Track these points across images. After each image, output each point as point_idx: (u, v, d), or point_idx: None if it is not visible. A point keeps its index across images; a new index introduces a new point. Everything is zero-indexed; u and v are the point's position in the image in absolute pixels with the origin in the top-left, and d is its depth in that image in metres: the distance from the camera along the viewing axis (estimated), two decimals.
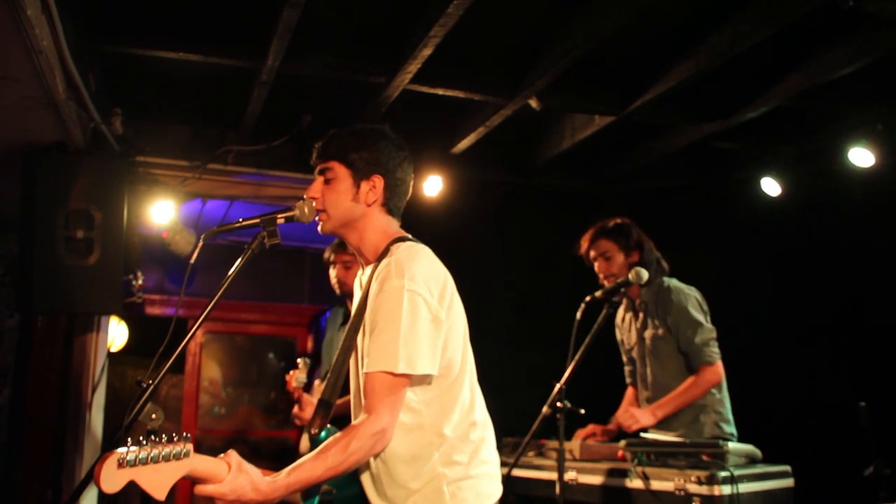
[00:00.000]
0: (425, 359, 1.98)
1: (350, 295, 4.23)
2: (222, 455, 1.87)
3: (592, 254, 3.77)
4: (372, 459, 2.07)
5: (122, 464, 1.65)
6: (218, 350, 6.99)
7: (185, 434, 1.79)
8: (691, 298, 3.70)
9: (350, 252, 4.13)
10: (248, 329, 6.92)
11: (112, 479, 1.64)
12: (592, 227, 3.83)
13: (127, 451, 1.65)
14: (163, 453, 1.71)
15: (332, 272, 4.26)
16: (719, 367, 3.61)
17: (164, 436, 1.75)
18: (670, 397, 3.59)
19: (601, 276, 3.75)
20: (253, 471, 1.83)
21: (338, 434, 1.96)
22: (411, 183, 2.29)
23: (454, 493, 2.01)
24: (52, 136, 3.89)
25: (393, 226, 2.23)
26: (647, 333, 3.77)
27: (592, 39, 3.45)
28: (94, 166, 3.95)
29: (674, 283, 3.76)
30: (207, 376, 6.81)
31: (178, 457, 1.74)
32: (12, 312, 4.94)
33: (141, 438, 1.70)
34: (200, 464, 1.80)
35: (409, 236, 2.22)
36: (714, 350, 3.61)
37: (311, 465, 1.89)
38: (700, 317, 3.66)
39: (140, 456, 1.67)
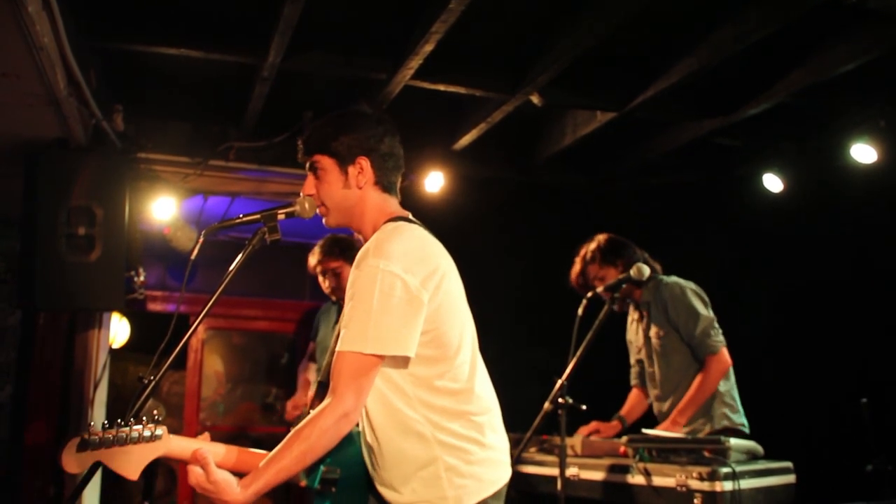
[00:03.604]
0: (397, 340, 1.91)
1: None
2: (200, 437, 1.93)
3: (592, 282, 3.79)
4: (369, 443, 2.03)
5: (83, 447, 1.70)
6: (219, 346, 6.98)
7: (156, 416, 1.81)
8: (687, 290, 3.72)
9: (337, 257, 4.05)
10: (249, 325, 6.91)
11: (74, 460, 1.71)
12: (574, 263, 3.90)
13: (89, 434, 1.70)
14: (131, 435, 1.75)
15: (325, 282, 4.13)
16: (724, 354, 3.61)
17: (132, 419, 1.78)
18: (686, 400, 3.57)
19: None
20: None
21: (303, 421, 1.90)
22: (400, 154, 2.24)
23: (452, 478, 1.94)
24: (54, 133, 3.89)
25: (390, 203, 2.18)
26: (652, 332, 3.80)
27: (594, 36, 3.45)
28: (96, 163, 3.95)
29: (671, 279, 3.79)
30: (209, 372, 6.81)
31: (148, 439, 1.77)
32: (14, 309, 4.95)
33: (105, 422, 1.73)
34: (177, 444, 1.84)
35: (408, 215, 2.17)
36: (717, 339, 3.62)
37: (279, 458, 1.85)
38: (698, 306, 3.67)
39: (105, 438, 1.72)
